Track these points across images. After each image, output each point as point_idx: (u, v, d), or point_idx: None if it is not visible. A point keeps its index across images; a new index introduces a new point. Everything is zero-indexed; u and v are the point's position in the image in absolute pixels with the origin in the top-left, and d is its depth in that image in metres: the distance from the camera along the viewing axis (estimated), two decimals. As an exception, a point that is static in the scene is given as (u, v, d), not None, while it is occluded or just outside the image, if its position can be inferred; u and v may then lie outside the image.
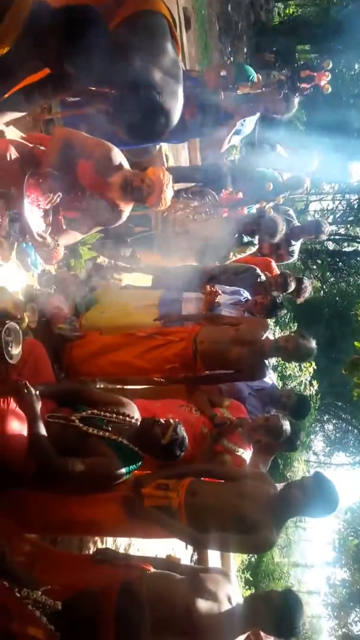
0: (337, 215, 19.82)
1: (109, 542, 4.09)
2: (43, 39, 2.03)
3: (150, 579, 2.56)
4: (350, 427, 20.71)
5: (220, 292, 4.09)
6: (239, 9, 14.65)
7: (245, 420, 3.47)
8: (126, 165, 3.11)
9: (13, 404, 2.51)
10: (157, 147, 5.19)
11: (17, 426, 2.46)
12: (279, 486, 3.00)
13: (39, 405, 2.52)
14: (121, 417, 2.73)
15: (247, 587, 12.84)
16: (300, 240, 5.54)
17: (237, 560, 11.77)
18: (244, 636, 2.63)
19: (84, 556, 3.53)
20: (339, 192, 19.63)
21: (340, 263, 19.68)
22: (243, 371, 3.63)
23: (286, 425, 3.30)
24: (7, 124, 3.04)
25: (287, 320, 11.54)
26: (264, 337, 3.64)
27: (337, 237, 20.04)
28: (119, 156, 3.05)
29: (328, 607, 21.62)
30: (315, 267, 17.89)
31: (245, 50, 14.89)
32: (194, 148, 8.01)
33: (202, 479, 3.02)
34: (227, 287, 4.28)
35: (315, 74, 4.24)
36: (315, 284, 17.86)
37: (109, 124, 2.62)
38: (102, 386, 4.08)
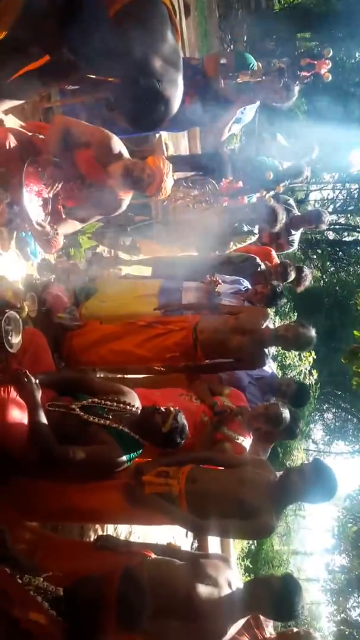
0: (338, 205, 19.82)
1: (110, 530, 4.12)
2: (41, 24, 2.02)
3: (152, 565, 2.58)
4: (349, 416, 20.79)
5: (220, 281, 4.09)
6: (239, -5, 14.56)
7: (245, 409, 3.49)
8: (126, 153, 3.10)
9: (14, 393, 2.52)
10: (157, 135, 5.18)
11: (18, 415, 2.46)
12: (279, 474, 3.03)
13: (39, 394, 2.52)
14: (122, 405, 2.73)
15: (246, 574, 12.97)
16: (301, 230, 5.53)
17: (237, 547, 11.87)
18: (243, 620, 2.67)
19: (85, 543, 3.56)
20: (339, 182, 19.59)
21: (340, 252, 19.69)
22: (243, 360, 3.64)
23: (286, 413, 3.32)
24: (6, 112, 3.04)
25: (287, 309, 11.54)
26: (264, 326, 3.65)
27: (337, 226, 20.02)
28: (118, 144, 3.04)
29: (327, 593, 21.85)
30: (315, 256, 17.88)
31: (245, 37, 14.76)
32: (193, 137, 7.98)
33: (202, 466, 3.03)
34: (227, 276, 4.28)
35: (316, 62, 4.22)
36: (315, 273, 17.85)
37: (109, 111, 2.61)
38: (102, 375, 4.09)
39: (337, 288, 17.71)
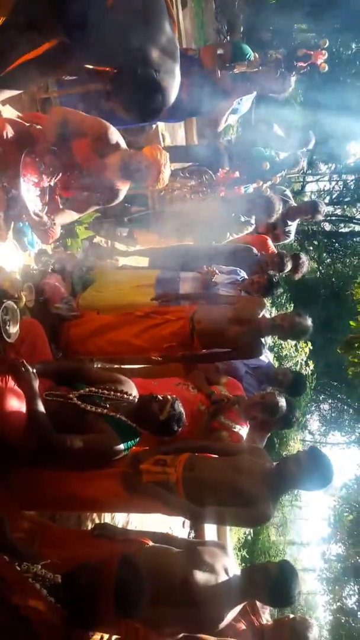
0: (334, 196, 19.79)
1: (107, 519, 4.15)
2: (39, 10, 2.02)
3: (149, 552, 2.61)
4: (345, 407, 20.89)
5: (217, 271, 4.10)
6: (236, -14, 14.45)
7: (242, 398, 3.52)
8: (123, 144, 3.10)
9: (12, 382, 2.53)
10: (154, 126, 5.17)
11: (16, 404, 2.48)
12: (275, 462, 3.06)
13: (36, 383, 2.53)
14: (119, 394, 2.75)
15: (243, 564, 13.04)
16: (297, 221, 5.54)
17: (233, 538, 11.95)
18: (240, 606, 2.69)
19: (82, 531, 3.59)
20: (335, 173, 19.57)
21: (337, 244, 19.70)
22: (240, 349, 3.66)
23: (282, 402, 3.35)
24: (4, 102, 3.03)
25: (283, 301, 11.57)
26: (260, 315, 3.67)
27: (333, 218, 20.02)
28: (115, 135, 3.04)
29: (323, 582, 22.02)
30: (311, 247, 17.89)
31: (241, 28, 14.70)
32: (190, 127, 7.96)
33: (199, 454, 3.05)
34: (223, 266, 4.29)
35: (312, 52, 4.22)
36: (312, 265, 17.86)
37: (107, 101, 2.61)
38: (99, 366, 4.10)
39: (333, 279, 17.75)
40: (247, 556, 14.42)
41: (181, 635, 2.59)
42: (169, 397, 2.68)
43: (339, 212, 20.46)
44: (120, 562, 2.18)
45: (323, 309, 15.00)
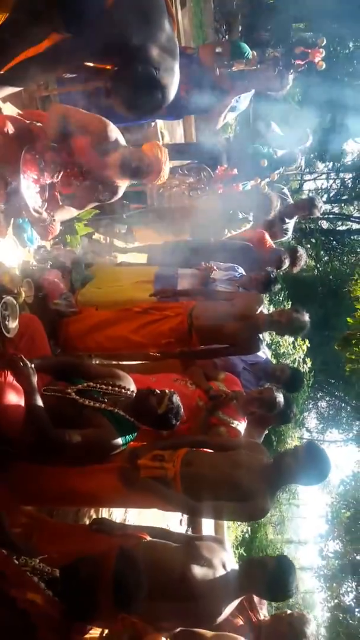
0: (332, 194, 19.82)
1: (105, 515, 4.16)
2: (40, 6, 2.04)
3: (147, 547, 2.62)
4: (343, 405, 20.89)
5: (215, 268, 4.12)
6: (234, -14, 14.48)
7: (240, 393, 3.53)
8: (122, 141, 3.12)
9: (10, 377, 2.53)
10: (153, 124, 5.18)
11: (15, 398, 2.48)
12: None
13: (35, 378, 2.53)
14: (117, 389, 2.75)
15: (240, 562, 13.03)
16: (294, 219, 5.55)
17: (231, 536, 11.97)
18: (238, 601, 2.71)
19: (80, 526, 3.59)
20: (333, 171, 19.60)
21: (334, 242, 19.72)
22: (238, 345, 3.67)
23: (280, 397, 3.36)
24: (4, 99, 3.05)
25: (281, 298, 11.59)
26: (258, 311, 3.69)
27: (331, 216, 20.06)
28: (115, 132, 3.06)
29: (320, 579, 22.02)
30: (309, 245, 17.86)
31: (239, 28, 14.72)
32: (188, 125, 7.98)
33: (197, 449, 3.07)
34: (221, 263, 4.30)
35: (310, 50, 4.24)
36: (310, 262, 17.87)
37: (107, 98, 2.63)
38: (98, 362, 4.11)
39: (330, 277, 17.74)
40: (245, 554, 14.44)
41: (178, 629, 2.61)
42: (166, 391, 2.68)
43: (336, 210, 20.51)
44: (119, 555, 2.19)
45: (320, 306, 15.00)
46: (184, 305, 3.79)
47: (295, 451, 2.94)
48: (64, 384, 2.76)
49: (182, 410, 2.72)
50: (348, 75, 15.68)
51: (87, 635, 2.38)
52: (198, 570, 2.53)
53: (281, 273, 4.83)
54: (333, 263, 19.09)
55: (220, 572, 2.59)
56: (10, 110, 3.21)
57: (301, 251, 4.85)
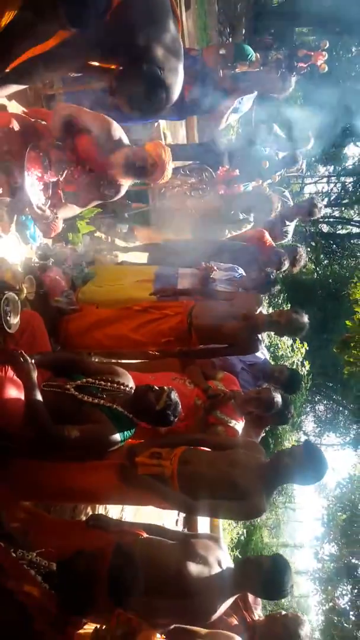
0: (332, 198, 19.87)
1: (102, 512, 4.17)
2: (49, 1, 2.06)
3: (143, 543, 2.64)
4: (340, 408, 20.91)
5: (215, 268, 4.14)
6: (238, -10, 14.55)
7: (238, 393, 3.53)
8: (126, 140, 3.15)
9: (11, 373, 2.55)
10: (156, 124, 5.21)
11: (15, 394, 2.50)
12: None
13: (35, 374, 2.54)
14: (116, 385, 2.76)
15: (236, 560, 13.00)
16: (295, 221, 5.57)
17: (226, 538, 11.96)
18: (232, 599, 2.72)
19: (77, 522, 3.60)
20: (334, 175, 19.66)
21: (334, 245, 19.76)
22: (237, 345, 3.68)
23: (278, 397, 3.38)
24: (9, 98, 3.07)
25: (280, 301, 11.61)
26: (257, 311, 3.70)
27: (331, 219, 20.11)
28: (118, 131, 3.09)
29: (316, 581, 21.97)
30: (309, 249, 17.90)
31: (243, 31, 14.78)
32: (191, 126, 8.01)
33: (194, 448, 3.08)
34: (221, 263, 4.32)
35: (312, 53, 4.27)
36: (309, 266, 17.91)
37: (111, 97, 2.66)
38: (97, 360, 4.12)
39: (330, 280, 17.78)
40: (240, 556, 14.44)
41: (172, 626, 2.62)
42: (165, 387, 2.69)
43: (336, 213, 20.56)
44: (115, 551, 2.20)
45: (320, 310, 15.04)
46: (183, 304, 3.80)
47: (293, 450, 2.96)
48: (64, 379, 2.77)
49: (180, 407, 2.73)
50: (350, 79, 15.73)
51: (82, 630, 2.40)
52: (194, 568, 2.54)
53: (281, 276, 4.84)
54: (333, 266, 19.13)
55: (216, 569, 2.60)
56: (15, 108, 3.24)
57: (301, 251, 4.86)
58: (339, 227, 20.85)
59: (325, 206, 18.72)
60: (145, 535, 2.74)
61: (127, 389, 2.79)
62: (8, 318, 2.82)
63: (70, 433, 2.51)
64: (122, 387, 2.78)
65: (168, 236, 4.82)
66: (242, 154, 5.01)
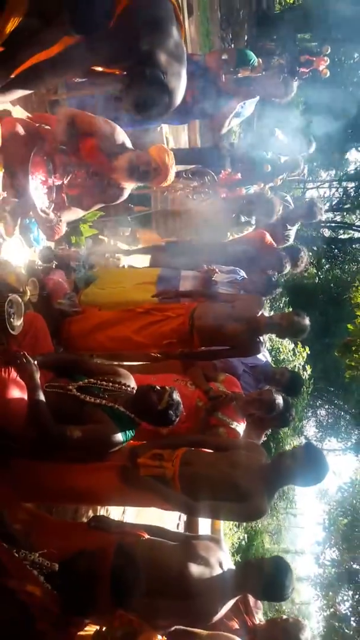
0: (334, 203, 19.90)
1: (103, 514, 4.18)
2: (53, 8, 2.09)
3: (145, 545, 2.64)
4: (342, 413, 20.87)
5: (217, 270, 4.15)
6: (241, -4, 14.67)
7: (240, 394, 3.53)
8: (129, 144, 3.18)
9: (14, 374, 2.57)
10: (158, 128, 5.24)
11: (18, 394, 2.52)
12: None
13: (38, 375, 2.57)
14: (117, 385, 2.78)
15: (237, 562, 12.98)
16: (297, 225, 5.58)
17: (227, 542, 11.95)
18: (233, 601, 2.71)
19: (79, 523, 3.60)
20: (335, 180, 19.70)
21: (336, 250, 19.76)
22: (238, 347, 3.67)
23: (279, 399, 3.38)
24: (14, 103, 3.10)
25: (282, 305, 11.63)
26: (259, 313, 3.71)
27: (333, 224, 20.15)
28: (122, 135, 3.13)
29: (317, 587, 21.89)
30: (311, 254, 17.93)
31: (245, 37, 14.89)
32: (193, 130, 8.06)
33: (196, 449, 3.07)
34: (223, 266, 4.33)
35: (314, 58, 4.30)
36: (311, 270, 17.92)
37: (115, 101, 2.71)
38: (99, 362, 4.13)
39: (331, 285, 17.81)
40: (241, 561, 14.42)
41: (173, 627, 2.62)
42: (167, 387, 2.71)
43: (338, 218, 20.59)
44: (116, 551, 2.22)
45: (321, 314, 15.04)
46: (185, 306, 3.80)
47: (294, 452, 2.96)
48: (66, 380, 2.79)
49: (182, 406, 2.74)
50: (353, 84, 15.79)
51: (83, 632, 2.41)
52: (195, 569, 2.54)
53: (282, 280, 4.85)
54: (334, 271, 19.15)
55: (217, 571, 2.60)
56: (19, 113, 3.27)
57: (302, 253, 4.87)
58: (341, 231, 20.89)
59: (327, 211, 18.76)
60: (146, 536, 2.75)
61: (129, 389, 2.81)
62: (12, 320, 2.84)
63: (72, 433, 2.53)
64: (123, 387, 2.79)
65: (170, 239, 4.84)
66: (244, 158, 5.03)
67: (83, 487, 2.91)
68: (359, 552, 18.11)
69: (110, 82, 2.87)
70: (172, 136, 6.91)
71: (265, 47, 14.27)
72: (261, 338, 3.73)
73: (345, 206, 19.94)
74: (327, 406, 21.58)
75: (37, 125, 3.05)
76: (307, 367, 10.35)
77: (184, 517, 5.56)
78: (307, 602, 24.20)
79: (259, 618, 3.15)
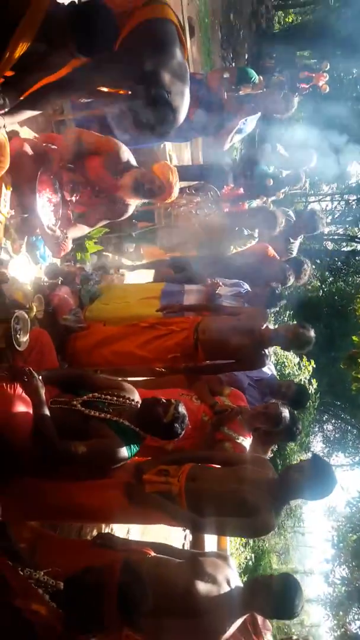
0: (336, 216, 19.98)
1: (108, 531, 4.14)
2: (60, 32, 2.14)
3: (151, 562, 2.61)
4: (349, 427, 20.71)
5: (220, 284, 4.16)
6: (241, 17, 14.94)
7: (245, 408, 3.51)
8: (133, 162, 3.24)
9: (19, 389, 2.58)
10: (162, 146, 5.31)
11: (23, 410, 2.51)
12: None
13: (43, 391, 2.57)
14: (122, 399, 2.77)
15: (246, 580, 12.79)
16: (299, 239, 5.60)
17: (234, 562, 11.78)
18: (242, 619, 2.67)
19: (84, 541, 3.57)
20: (337, 193, 19.79)
21: (339, 262, 19.76)
22: (243, 360, 3.67)
23: (285, 412, 3.35)
24: (21, 123, 3.16)
25: (286, 319, 11.62)
26: (264, 326, 3.71)
27: (335, 237, 20.20)
28: (127, 153, 3.19)
29: (327, 606, 21.53)
30: (314, 266, 17.96)
31: (246, 56, 15.15)
32: (196, 147, 8.14)
33: (202, 464, 3.05)
34: (227, 279, 4.35)
35: (314, 74, 4.37)
36: (314, 283, 17.94)
37: (120, 120, 2.77)
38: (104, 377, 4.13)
39: (335, 297, 17.79)
40: (248, 581, 14.19)
41: None
42: (172, 400, 2.69)
43: (341, 231, 20.66)
44: (123, 567, 2.19)
45: (326, 327, 15.00)
46: (189, 320, 3.81)
47: (301, 465, 2.95)
48: (71, 396, 2.79)
49: (187, 419, 2.72)
50: (352, 100, 15.94)
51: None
52: (202, 586, 2.51)
53: (286, 293, 4.86)
54: (338, 284, 19.13)
55: (225, 588, 2.57)
56: (27, 133, 3.33)
57: (306, 265, 4.88)
58: (344, 244, 20.94)
59: (330, 224, 18.83)
60: (152, 553, 2.72)
61: (133, 403, 2.80)
62: (18, 336, 2.86)
63: (77, 449, 2.52)
64: (128, 401, 2.78)
65: (174, 253, 4.86)
66: (246, 173, 5.07)
67: (88, 504, 2.89)
68: (370, 568, 17.84)
69: (115, 102, 2.92)
70: (175, 153, 6.99)
71: (265, 65, 14.48)
72: (266, 351, 3.73)
73: (348, 219, 20.01)
74: (333, 420, 21.42)
75: (44, 144, 3.11)
76: (313, 381, 10.29)
77: (189, 535, 5.51)
78: (317, 624, 23.79)
79: (268, 639, 3.10)
